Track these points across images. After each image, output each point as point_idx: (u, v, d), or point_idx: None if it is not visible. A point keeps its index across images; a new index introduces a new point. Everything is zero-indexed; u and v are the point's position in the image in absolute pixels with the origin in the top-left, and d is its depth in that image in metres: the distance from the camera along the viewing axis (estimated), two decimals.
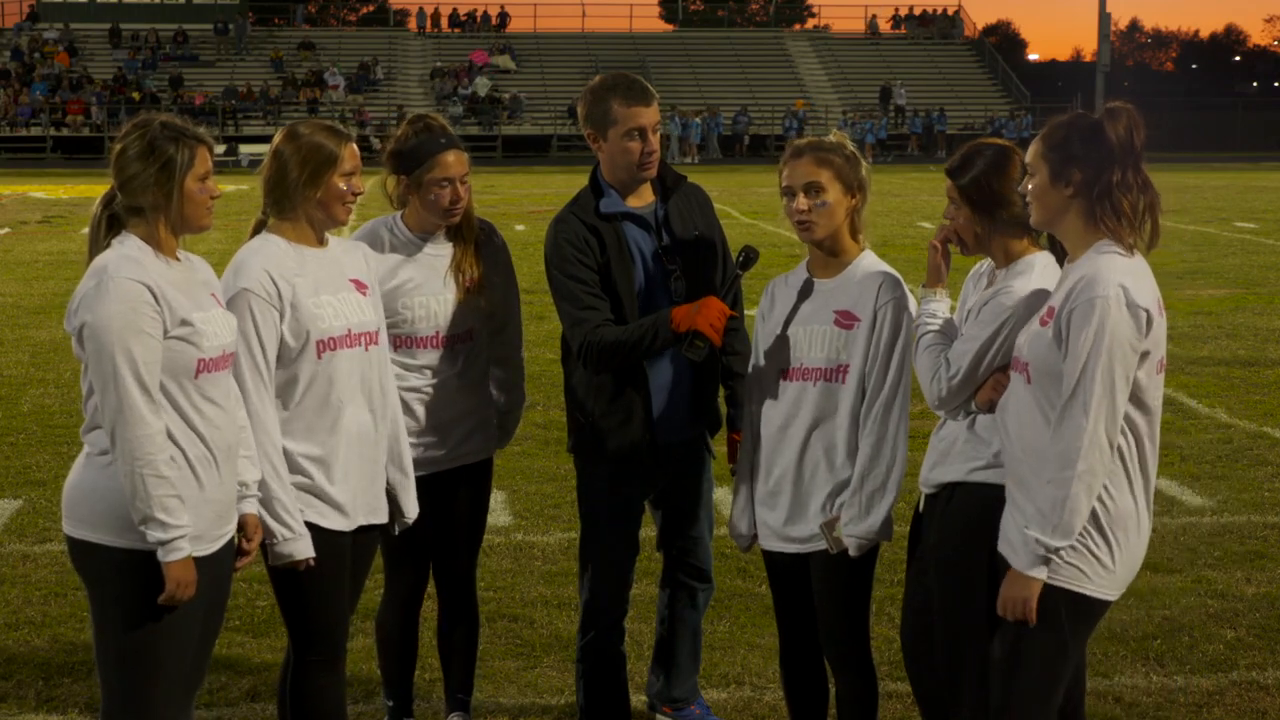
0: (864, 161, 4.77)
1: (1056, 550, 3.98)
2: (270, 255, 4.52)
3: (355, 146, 4.65)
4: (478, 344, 5.26)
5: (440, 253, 5.17)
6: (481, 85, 56.25)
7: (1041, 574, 4.00)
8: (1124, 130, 4.02)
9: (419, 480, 5.05)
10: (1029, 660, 4.09)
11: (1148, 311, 3.95)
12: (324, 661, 4.65)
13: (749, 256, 4.83)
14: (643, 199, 5.14)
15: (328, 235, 4.70)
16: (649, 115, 5.02)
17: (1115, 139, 4.01)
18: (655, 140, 5.04)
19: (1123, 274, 3.96)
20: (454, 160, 5.08)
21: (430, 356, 5.14)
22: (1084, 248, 4.08)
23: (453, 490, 5.26)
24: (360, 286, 4.69)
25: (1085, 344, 3.91)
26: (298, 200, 4.56)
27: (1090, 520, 4.02)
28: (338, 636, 4.67)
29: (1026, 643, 4.08)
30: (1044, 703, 4.12)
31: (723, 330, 4.78)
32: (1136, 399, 4.01)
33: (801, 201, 4.65)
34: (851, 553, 4.67)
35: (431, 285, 5.13)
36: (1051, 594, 4.04)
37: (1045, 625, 4.05)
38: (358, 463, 4.62)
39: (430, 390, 5.14)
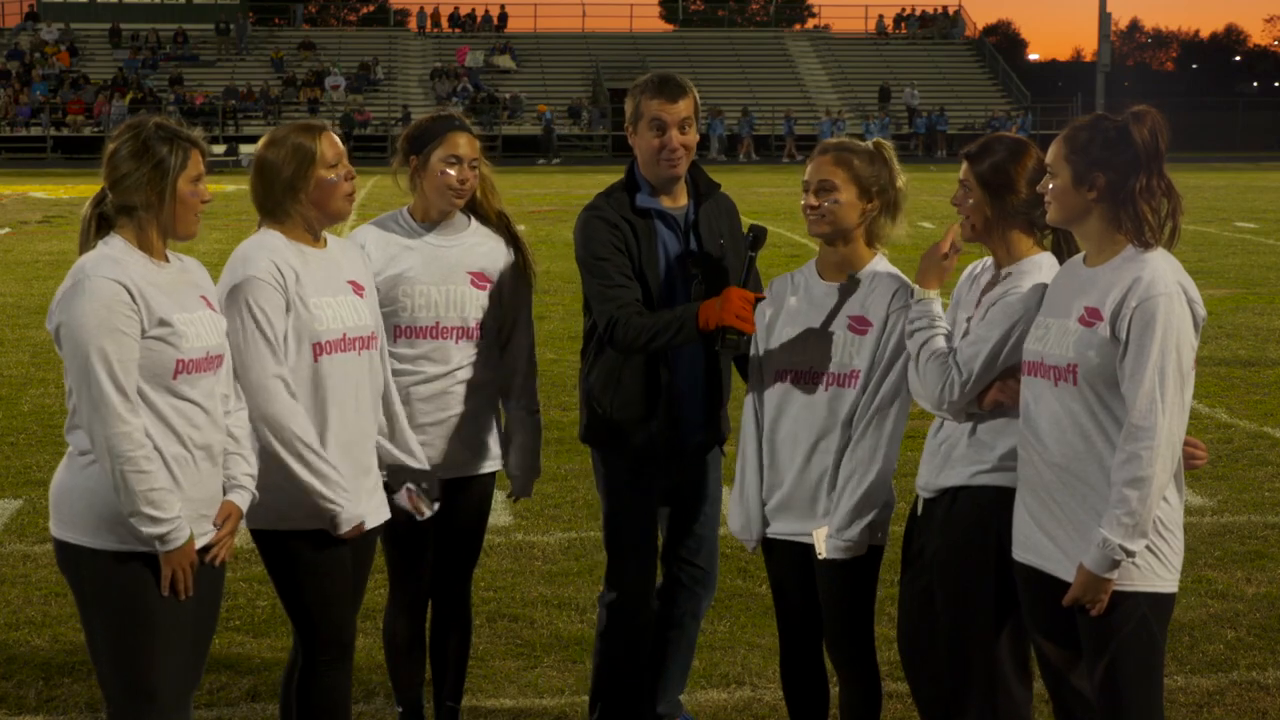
0: (897, 173, 4.74)
1: (1133, 553, 3.95)
2: (274, 247, 4.52)
3: (334, 135, 4.63)
4: (486, 343, 5.19)
5: (444, 243, 5.14)
6: (474, 58, 56.98)
7: (1114, 574, 3.98)
8: (1149, 134, 4.02)
9: None
10: (1131, 673, 4.04)
11: (1200, 307, 4.00)
12: (334, 661, 4.66)
13: (757, 235, 4.77)
14: (676, 200, 5.13)
15: (326, 236, 4.70)
16: (671, 110, 5.00)
17: (1141, 143, 4.02)
18: (678, 137, 5.01)
19: (1176, 272, 4.00)
20: (464, 141, 5.06)
21: (428, 347, 5.08)
22: (1105, 249, 4.08)
23: (450, 503, 5.17)
24: (357, 288, 4.69)
25: (1155, 344, 3.90)
26: (289, 204, 4.55)
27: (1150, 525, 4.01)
28: (346, 636, 4.68)
29: (1123, 657, 4.03)
30: (1158, 708, 4.09)
31: (751, 317, 4.67)
32: None
33: (811, 198, 4.67)
34: (837, 557, 4.66)
35: (433, 274, 5.10)
36: (1134, 600, 4.02)
37: (1135, 633, 4.03)
38: (348, 467, 4.60)
39: (428, 383, 5.09)
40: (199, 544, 4.20)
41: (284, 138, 4.58)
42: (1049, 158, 4.15)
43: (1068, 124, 4.26)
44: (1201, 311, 4.00)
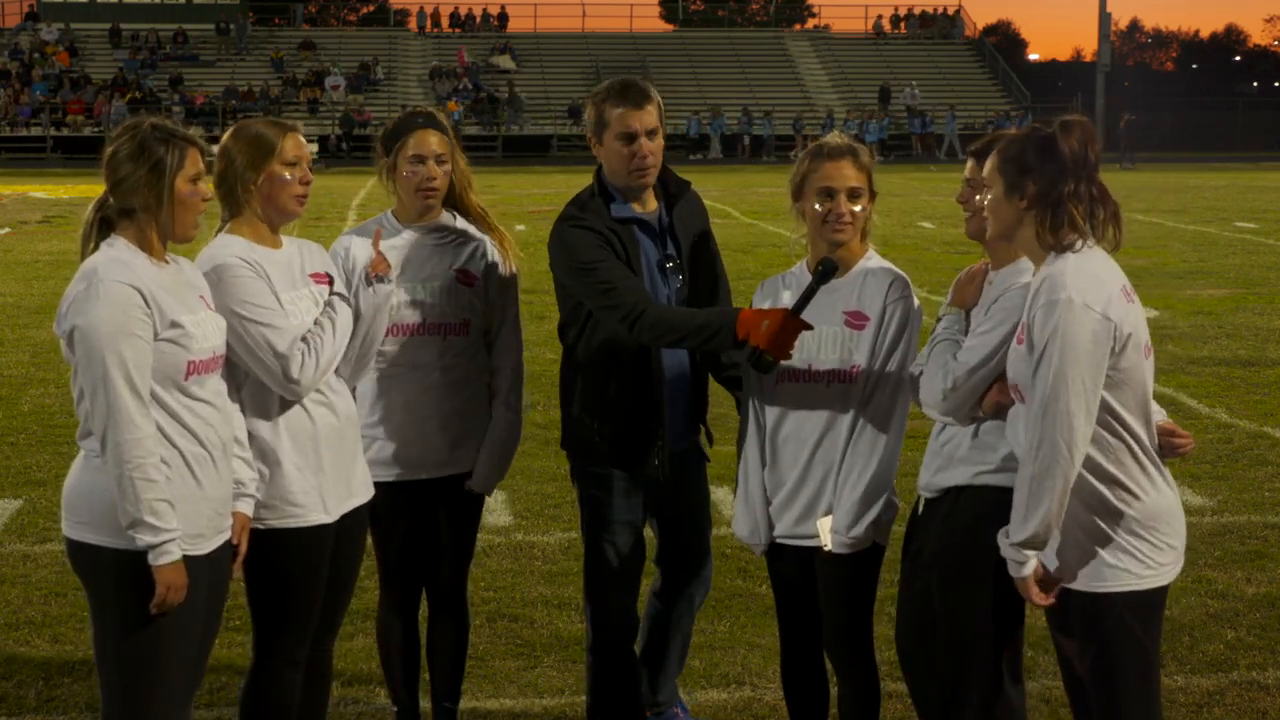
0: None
1: (1023, 551, 3.99)
2: (238, 246, 4.49)
3: (301, 138, 4.59)
4: (472, 340, 5.20)
5: (428, 241, 5.15)
6: (473, 57, 56.87)
7: (1026, 571, 4.03)
8: (1077, 143, 4.05)
9: (398, 485, 5.05)
10: (1118, 672, 4.05)
11: (1107, 308, 3.93)
12: (292, 660, 4.61)
13: (827, 269, 4.61)
14: (647, 205, 5.10)
15: (282, 237, 4.64)
16: (639, 119, 4.94)
17: (1068, 152, 4.04)
18: (647, 145, 4.95)
19: (1076, 273, 3.96)
20: (427, 139, 5.05)
21: (412, 344, 5.09)
22: (1038, 260, 4.11)
23: (435, 504, 5.19)
24: (319, 279, 4.67)
25: (1045, 349, 3.92)
26: (244, 194, 4.51)
27: (1120, 523, 4.02)
28: (306, 634, 4.62)
29: (1107, 658, 4.05)
30: (1150, 708, 4.10)
31: (792, 346, 4.58)
32: (1122, 385, 3.99)
33: (845, 204, 4.64)
34: (838, 552, 4.67)
35: (417, 273, 5.11)
36: (1108, 600, 4.03)
37: (1118, 635, 4.04)
38: (333, 451, 4.59)
39: (411, 380, 5.10)
40: (215, 544, 4.22)
41: (249, 126, 4.56)
42: (985, 171, 4.19)
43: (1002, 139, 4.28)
44: (1098, 313, 3.92)
